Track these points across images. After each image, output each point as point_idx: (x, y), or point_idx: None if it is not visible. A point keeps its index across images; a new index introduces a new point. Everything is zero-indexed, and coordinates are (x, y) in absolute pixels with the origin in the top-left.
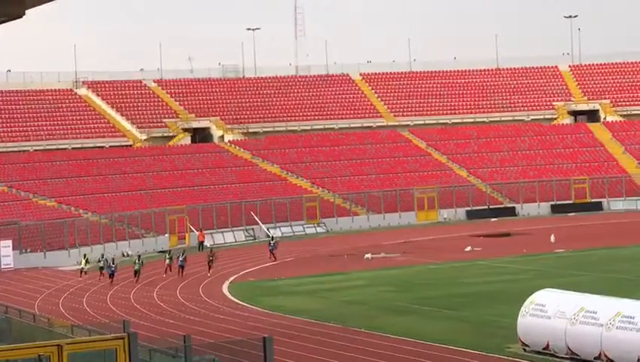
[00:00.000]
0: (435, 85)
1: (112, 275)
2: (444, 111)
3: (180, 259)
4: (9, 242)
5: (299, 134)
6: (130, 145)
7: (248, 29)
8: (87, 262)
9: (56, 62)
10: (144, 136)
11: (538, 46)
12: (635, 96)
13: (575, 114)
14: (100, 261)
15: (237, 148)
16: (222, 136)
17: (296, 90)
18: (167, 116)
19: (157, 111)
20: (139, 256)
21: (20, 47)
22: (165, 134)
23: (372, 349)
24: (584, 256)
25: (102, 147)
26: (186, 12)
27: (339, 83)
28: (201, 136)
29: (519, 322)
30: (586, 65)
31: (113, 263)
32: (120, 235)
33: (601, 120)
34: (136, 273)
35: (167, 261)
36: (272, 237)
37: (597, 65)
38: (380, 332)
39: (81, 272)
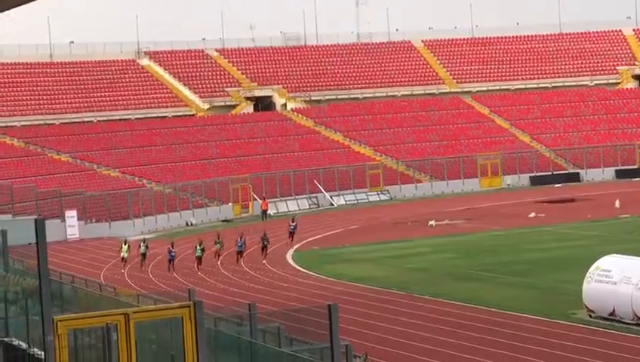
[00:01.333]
0: (497, 51)
1: (171, 260)
2: (507, 77)
3: (239, 242)
4: (74, 212)
5: (361, 102)
6: (193, 115)
7: None
8: (128, 248)
9: (119, 33)
10: (207, 106)
11: (601, 10)
12: None
13: (639, 78)
14: (141, 246)
15: (299, 116)
16: (284, 105)
17: (358, 58)
18: (229, 85)
19: (219, 81)
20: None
21: (82, 18)
22: (228, 103)
23: (436, 316)
24: None
25: (164, 117)
26: None
27: (401, 50)
28: (263, 104)
29: (584, 288)
30: None
31: (173, 248)
32: (184, 205)
33: None
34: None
35: (218, 246)
36: (293, 218)
37: None
38: (444, 299)
39: (122, 260)
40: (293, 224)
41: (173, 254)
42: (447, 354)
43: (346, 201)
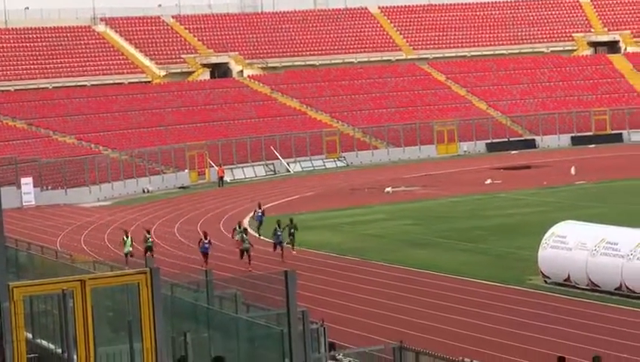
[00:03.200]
0: (454, 18)
1: (205, 253)
2: (464, 44)
3: (279, 232)
4: (30, 179)
5: (318, 68)
6: (149, 82)
7: None
8: (132, 242)
9: None
10: (163, 73)
11: None
12: None
13: (595, 45)
14: (146, 238)
15: (256, 83)
16: (241, 72)
17: (314, 25)
18: (185, 52)
19: (175, 47)
20: (148, 231)
21: None
22: (184, 70)
23: (392, 282)
24: (604, 188)
25: (121, 84)
26: None
27: (357, 17)
28: (220, 71)
29: (540, 254)
30: None
31: (206, 238)
32: (140, 172)
33: (622, 51)
34: (149, 249)
35: (237, 237)
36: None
37: None
38: (400, 265)
39: (126, 256)
40: (260, 210)
41: (207, 246)
42: (403, 319)
43: (302, 168)
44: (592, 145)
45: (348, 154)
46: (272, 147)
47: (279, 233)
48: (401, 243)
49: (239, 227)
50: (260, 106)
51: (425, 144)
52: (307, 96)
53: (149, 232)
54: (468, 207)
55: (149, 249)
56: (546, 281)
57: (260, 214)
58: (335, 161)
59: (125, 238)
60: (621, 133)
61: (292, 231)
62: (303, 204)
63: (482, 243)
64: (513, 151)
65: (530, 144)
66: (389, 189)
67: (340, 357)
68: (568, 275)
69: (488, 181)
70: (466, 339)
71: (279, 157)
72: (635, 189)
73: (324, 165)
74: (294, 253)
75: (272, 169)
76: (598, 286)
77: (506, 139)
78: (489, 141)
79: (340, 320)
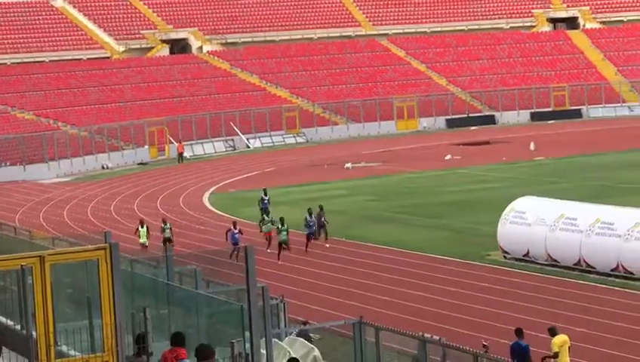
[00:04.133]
0: None
1: (236, 244)
2: (423, 20)
3: (311, 222)
4: None
5: (277, 44)
6: (108, 57)
7: None
8: (147, 232)
9: None
10: (122, 48)
11: None
12: (613, 2)
13: (554, 21)
14: (164, 229)
15: (216, 58)
16: (200, 47)
17: (274, 0)
18: (144, 27)
19: (135, 23)
20: (164, 221)
21: None
22: (143, 46)
23: (352, 258)
24: (563, 163)
25: (80, 59)
26: None
27: None
28: (179, 47)
29: (499, 229)
30: None
31: (236, 228)
32: (99, 148)
33: (580, 27)
34: (167, 241)
35: (266, 228)
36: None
37: None
38: (361, 241)
39: (143, 247)
40: (267, 198)
41: (237, 237)
42: (364, 295)
43: (262, 144)
44: (551, 121)
45: (307, 130)
46: (231, 123)
47: (312, 223)
48: (361, 219)
49: (266, 216)
50: (220, 82)
51: (385, 120)
52: (267, 72)
53: (165, 222)
54: (428, 183)
55: (167, 240)
56: (505, 257)
57: (266, 202)
58: (295, 136)
59: (140, 228)
60: (580, 109)
61: (323, 220)
62: (262, 179)
63: (442, 218)
64: (473, 127)
65: (490, 120)
66: (348, 165)
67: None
68: (527, 251)
69: (448, 157)
70: (426, 315)
71: (239, 133)
72: (593, 165)
73: (284, 141)
74: (327, 245)
75: (232, 145)
76: (557, 262)
77: (466, 115)
78: (449, 117)
79: (300, 296)
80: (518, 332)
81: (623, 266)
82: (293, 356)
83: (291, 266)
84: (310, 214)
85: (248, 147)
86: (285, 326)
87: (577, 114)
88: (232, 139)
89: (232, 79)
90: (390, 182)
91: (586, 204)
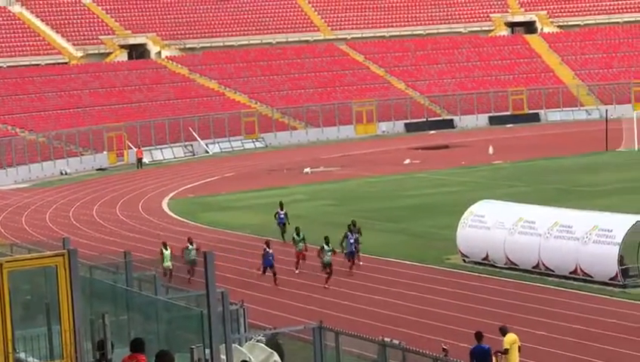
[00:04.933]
0: None
1: (271, 267)
2: (382, 24)
3: (351, 239)
4: None
5: (236, 49)
6: (67, 63)
7: None
8: (171, 255)
9: None
10: (80, 54)
11: None
12: (571, 7)
13: (512, 25)
14: (189, 251)
15: (174, 64)
16: (159, 53)
17: (232, 5)
18: (103, 33)
19: (93, 28)
20: (191, 241)
21: None
22: (101, 51)
23: (311, 263)
24: (522, 167)
25: (38, 65)
26: None
27: None
28: (137, 52)
29: (459, 233)
30: None
31: (269, 248)
32: (58, 154)
33: (538, 31)
34: (192, 263)
35: (300, 247)
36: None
37: None
38: (319, 246)
39: (166, 274)
40: (283, 212)
41: (271, 258)
42: (323, 300)
43: (221, 149)
44: (510, 125)
45: (266, 135)
46: (190, 128)
47: (352, 240)
48: (320, 223)
49: (297, 235)
50: (179, 87)
51: (343, 124)
52: (225, 77)
53: (191, 242)
54: (387, 187)
55: (191, 262)
56: (464, 260)
57: (282, 216)
58: (254, 141)
59: (164, 250)
60: (538, 113)
61: (356, 236)
62: (221, 184)
63: (401, 223)
64: (431, 131)
65: (449, 124)
66: (307, 170)
67: (261, 337)
68: (487, 254)
69: (407, 161)
70: (386, 319)
71: (198, 138)
72: (552, 168)
73: (243, 146)
74: (361, 263)
75: (191, 150)
76: (516, 265)
77: (425, 119)
78: (407, 121)
79: (260, 302)
80: (478, 336)
81: (581, 269)
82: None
83: (249, 271)
84: (351, 231)
85: (207, 152)
86: (245, 332)
87: (535, 118)
88: (191, 145)
89: (191, 84)
90: (349, 186)
91: (545, 207)
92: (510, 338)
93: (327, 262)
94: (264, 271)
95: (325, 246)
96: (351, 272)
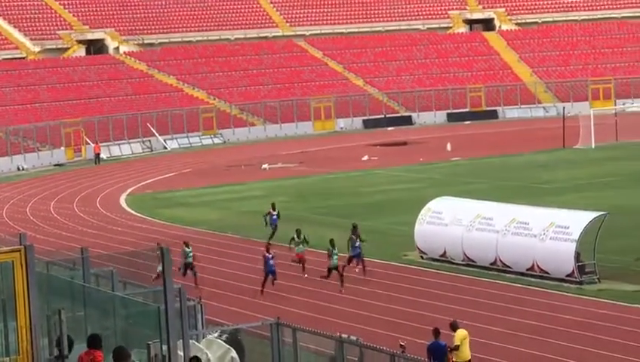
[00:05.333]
0: None
1: (272, 274)
2: (340, 21)
3: (357, 243)
4: None
5: (194, 45)
6: (24, 58)
7: None
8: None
9: None
10: (38, 49)
11: None
12: (529, 4)
13: (470, 23)
14: (186, 253)
15: (132, 59)
16: (117, 48)
17: (191, 1)
18: (60, 28)
19: (50, 23)
20: (187, 244)
21: None
22: (59, 46)
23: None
24: (480, 164)
25: None
26: None
27: None
28: (95, 47)
29: (416, 230)
30: None
31: (269, 253)
32: (15, 149)
33: (496, 28)
34: (188, 267)
35: (299, 249)
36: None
37: None
38: (278, 242)
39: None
40: (276, 212)
41: (272, 263)
42: (281, 296)
43: (179, 145)
44: (468, 122)
45: (225, 131)
46: (148, 124)
47: (357, 243)
48: (278, 220)
49: (298, 237)
50: (137, 83)
51: (302, 120)
52: (184, 73)
53: (188, 245)
54: (345, 184)
55: (188, 265)
56: (422, 257)
57: (275, 217)
58: (212, 137)
59: (186, 248)
60: (496, 110)
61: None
62: (179, 180)
63: (359, 219)
64: (390, 128)
65: (407, 120)
66: (265, 166)
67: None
68: (444, 251)
69: (365, 157)
70: (342, 315)
71: (156, 134)
72: (509, 165)
73: (201, 142)
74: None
75: (149, 146)
76: (474, 262)
77: (383, 116)
78: (366, 117)
79: (217, 297)
80: (436, 332)
81: (538, 266)
82: (196, 355)
83: (206, 267)
84: (358, 236)
85: (165, 148)
86: (203, 328)
87: (493, 115)
88: (149, 140)
89: (149, 80)
90: (307, 183)
91: (502, 204)
92: (461, 333)
93: (333, 265)
94: (265, 280)
95: (332, 249)
96: (365, 276)
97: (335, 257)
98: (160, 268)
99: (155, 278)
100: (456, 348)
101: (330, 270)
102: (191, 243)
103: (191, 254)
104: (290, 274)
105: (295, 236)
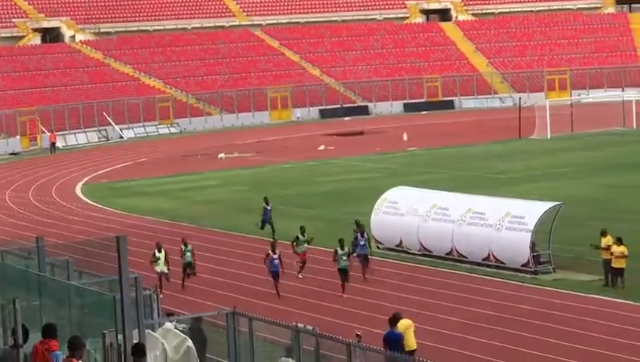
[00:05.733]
0: None
1: (276, 274)
2: (297, 11)
3: (361, 241)
4: None
5: (151, 34)
6: None
7: None
8: (166, 258)
9: None
10: None
11: None
12: None
13: (427, 13)
14: (184, 252)
15: (89, 48)
16: (73, 37)
17: None
18: (16, 16)
19: (5, 11)
20: (185, 243)
21: None
22: (14, 34)
23: (224, 248)
24: (436, 154)
25: None
26: None
27: None
28: (51, 36)
29: (372, 219)
30: None
31: (275, 253)
32: None
33: (453, 19)
34: (188, 267)
35: (300, 249)
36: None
37: None
38: (233, 231)
39: (162, 278)
40: (269, 206)
41: (276, 263)
42: (236, 285)
43: (135, 134)
44: (424, 112)
45: (181, 121)
46: (104, 113)
47: (362, 241)
48: (234, 209)
49: (302, 235)
50: (93, 72)
51: (258, 110)
52: (140, 62)
53: (186, 243)
54: (301, 173)
55: (188, 265)
56: (378, 247)
57: (269, 211)
58: (168, 127)
59: (157, 253)
60: (452, 100)
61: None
62: (135, 170)
63: (316, 209)
64: (346, 118)
65: (363, 110)
66: (222, 155)
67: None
68: (400, 240)
69: (322, 147)
70: (298, 304)
71: (112, 123)
72: (465, 155)
73: (158, 131)
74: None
75: (105, 135)
76: (430, 251)
77: (339, 106)
78: (322, 107)
79: (172, 287)
80: (392, 322)
81: (494, 255)
82: (139, 341)
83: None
84: (361, 232)
85: (121, 137)
86: (159, 317)
87: (450, 105)
88: (105, 130)
89: (106, 69)
90: (263, 172)
91: (458, 194)
92: (404, 323)
93: (343, 267)
94: (276, 281)
95: (339, 250)
96: (365, 278)
97: (344, 258)
98: (158, 268)
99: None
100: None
101: (341, 271)
102: (189, 242)
103: (190, 254)
104: (241, 264)
105: (300, 234)
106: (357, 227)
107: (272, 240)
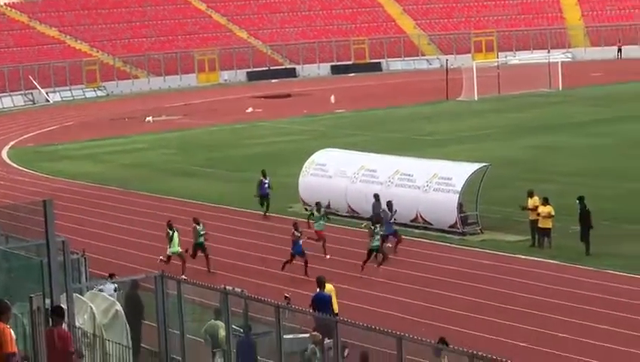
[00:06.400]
0: None
1: (301, 254)
2: None
3: (390, 221)
4: None
5: None
6: None
7: None
8: (179, 239)
9: None
10: None
11: None
12: None
13: None
14: (198, 231)
15: (13, 11)
16: None
17: None
18: None
19: None
20: (198, 222)
21: None
22: None
23: (153, 211)
24: (364, 116)
25: None
26: None
27: None
28: None
29: (300, 182)
30: None
31: (298, 230)
32: None
33: None
34: (199, 248)
35: (318, 225)
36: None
37: None
38: (161, 195)
39: (168, 260)
40: (267, 181)
41: (301, 243)
42: (164, 249)
43: (62, 98)
44: (352, 74)
45: (108, 84)
46: (30, 77)
47: (391, 219)
48: (162, 172)
49: (318, 211)
50: (18, 35)
51: (186, 73)
52: (66, 25)
53: (198, 222)
54: (229, 136)
55: (199, 246)
56: (306, 209)
57: (266, 186)
58: (95, 90)
59: (169, 230)
60: (380, 62)
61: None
62: (62, 134)
63: (244, 171)
64: (274, 80)
65: (291, 73)
66: (149, 119)
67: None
68: (329, 203)
69: (249, 110)
70: (228, 267)
71: (38, 87)
72: (393, 117)
73: (84, 95)
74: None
75: (31, 99)
76: (358, 213)
77: (267, 68)
78: (250, 70)
79: (101, 251)
80: (320, 283)
81: (421, 217)
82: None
83: (89, 220)
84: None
85: (48, 101)
86: (87, 281)
87: (377, 67)
88: (32, 93)
89: (31, 32)
90: (191, 135)
91: (386, 156)
92: (329, 287)
93: (374, 247)
94: (291, 260)
95: (374, 228)
96: (396, 253)
97: (377, 237)
98: (169, 251)
99: (164, 261)
100: None
101: (370, 252)
102: (202, 221)
103: (203, 233)
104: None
105: (315, 210)
106: (386, 206)
107: (294, 221)
